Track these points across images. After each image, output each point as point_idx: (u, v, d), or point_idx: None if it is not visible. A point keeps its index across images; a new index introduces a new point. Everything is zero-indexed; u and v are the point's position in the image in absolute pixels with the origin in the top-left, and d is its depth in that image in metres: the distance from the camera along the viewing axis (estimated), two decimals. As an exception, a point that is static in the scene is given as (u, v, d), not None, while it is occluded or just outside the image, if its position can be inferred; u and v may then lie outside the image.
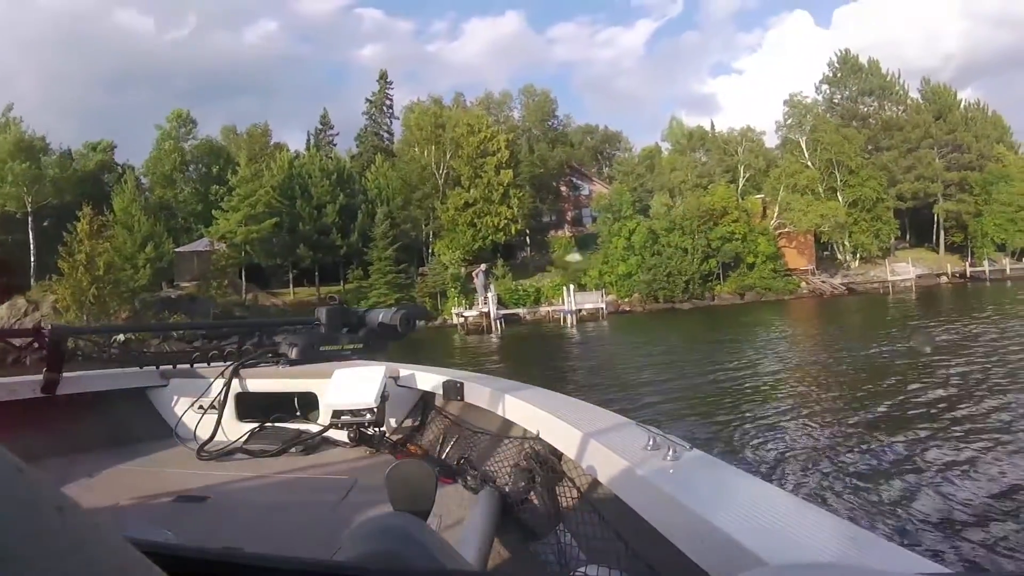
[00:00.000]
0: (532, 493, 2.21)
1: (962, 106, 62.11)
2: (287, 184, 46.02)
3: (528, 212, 50.39)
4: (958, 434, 8.77)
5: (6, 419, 3.02)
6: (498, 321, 37.06)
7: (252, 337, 4.30)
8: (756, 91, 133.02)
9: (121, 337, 5.43)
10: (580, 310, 39.47)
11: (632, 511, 1.46)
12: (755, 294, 46.60)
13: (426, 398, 3.48)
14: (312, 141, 58.81)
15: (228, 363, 3.72)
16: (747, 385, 13.99)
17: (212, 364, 3.87)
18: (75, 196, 42.20)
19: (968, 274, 55.62)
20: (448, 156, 49.28)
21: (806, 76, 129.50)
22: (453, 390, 3.06)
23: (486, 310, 37.20)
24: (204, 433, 3.50)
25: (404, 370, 3.54)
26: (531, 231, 53.19)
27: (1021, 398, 10.65)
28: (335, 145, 60.49)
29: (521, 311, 42.52)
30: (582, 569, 1.43)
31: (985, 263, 56.24)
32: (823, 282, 49.97)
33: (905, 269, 52.82)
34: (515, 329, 37.98)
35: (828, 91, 61.85)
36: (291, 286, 46.38)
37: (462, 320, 38.64)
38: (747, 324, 30.12)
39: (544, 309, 42.45)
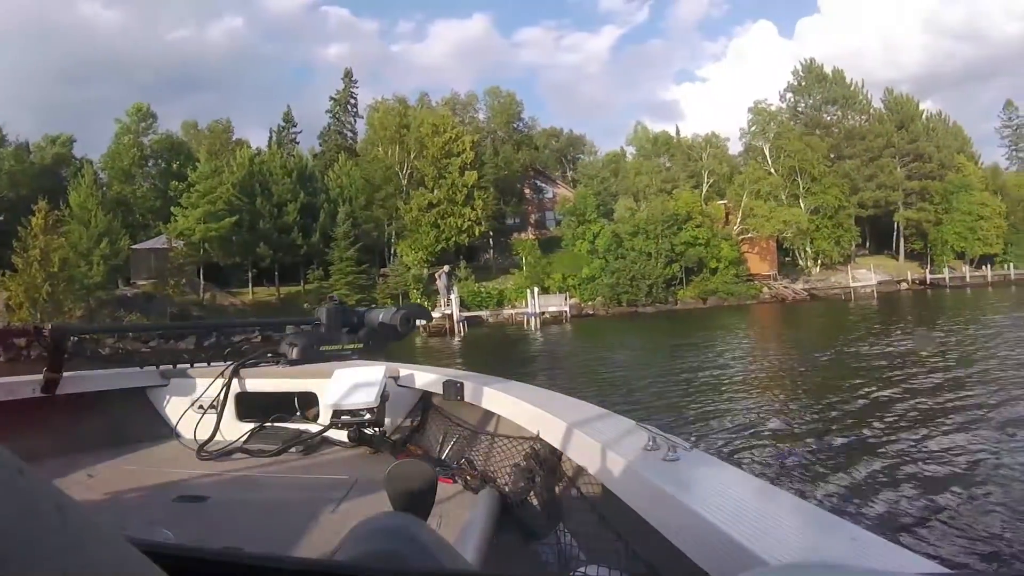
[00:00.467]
0: (532, 493, 2.19)
1: (924, 116, 63.42)
2: (247, 181, 44.91)
3: (492, 214, 50.10)
4: (957, 434, 8.84)
5: (6, 419, 3.00)
6: (461, 323, 36.61)
7: (253, 333, 4.35)
8: (719, 99, 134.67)
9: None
10: (543, 313, 39.19)
11: (632, 511, 1.44)
12: (717, 299, 46.81)
13: (426, 398, 3.44)
14: (274, 139, 57.88)
15: (228, 363, 3.70)
16: (719, 387, 13.97)
17: (212, 364, 3.85)
18: (31, 190, 41.25)
19: (928, 281, 56.73)
20: (412, 156, 48.81)
21: (769, 85, 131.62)
22: (453, 390, 3.04)
23: (449, 312, 36.63)
24: (204, 433, 3.45)
25: (404, 370, 3.54)
26: (494, 233, 52.88)
27: (1016, 397, 10.81)
28: (298, 143, 59.68)
29: (484, 313, 42.25)
30: (582, 569, 1.44)
31: (945, 271, 57.58)
32: (785, 287, 50.46)
33: (866, 275, 53.61)
34: (478, 331, 37.69)
35: (792, 99, 62.71)
36: (250, 286, 45.41)
37: (424, 322, 37.75)
38: (712, 328, 30.09)
39: (507, 312, 42.24)
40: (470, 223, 47.18)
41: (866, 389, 12.41)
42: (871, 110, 61.41)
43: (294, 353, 3.84)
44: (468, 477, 2.53)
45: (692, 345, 22.65)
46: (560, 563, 1.85)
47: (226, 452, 3.20)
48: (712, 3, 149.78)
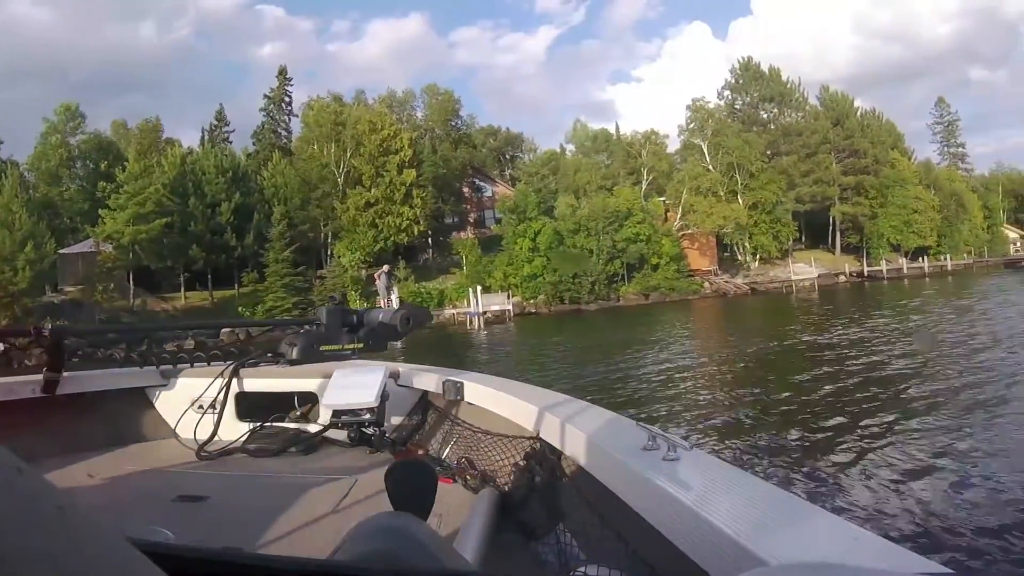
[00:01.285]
0: (532, 493, 2.18)
1: (858, 113, 64.89)
2: (179, 181, 43.38)
3: (431, 213, 49.49)
4: (956, 433, 8.75)
5: (6, 419, 3.00)
6: (402, 324, 35.79)
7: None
8: (654, 99, 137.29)
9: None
10: (486, 312, 38.80)
11: (632, 511, 1.42)
12: (660, 295, 47.02)
13: (426, 398, 3.42)
14: (206, 138, 56.25)
15: (228, 363, 3.70)
16: (678, 383, 13.83)
17: (212, 364, 3.85)
18: (-48, 193, 39.20)
19: (866, 273, 58.34)
20: (349, 155, 47.83)
21: (703, 86, 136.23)
22: (453, 390, 3.01)
23: (390, 313, 35.91)
24: (204, 433, 3.44)
25: (404, 370, 3.49)
26: (433, 233, 52.29)
27: (1011, 393, 10.73)
28: (231, 142, 57.96)
29: (425, 314, 41.26)
30: (582, 569, 1.36)
31: (883, 263, 59.23)
32: (726, 282, 51.11)
33: (804, 269, 54.74)
34: (420, 332, 36.69)
35: (730, 97, 63.58)
36: (182, 290, 43.96)
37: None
38: (658, 324, 29.99)
39: (449, 312, 41.49)
40: (409, 222, 46.43)
41: (833, 379, 12.55)
42: (807, 107, 62.67)
43: (294, 353, 3.87)
44: (468, 477, 2.56)
45: (643, 341, 22.50)
46: (560, 563, 1.87)
47: (226, 452, 3.22)
48: (647, 4, 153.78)
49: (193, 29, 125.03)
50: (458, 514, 2.20)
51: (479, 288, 40.10)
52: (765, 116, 62.16)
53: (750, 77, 62.30)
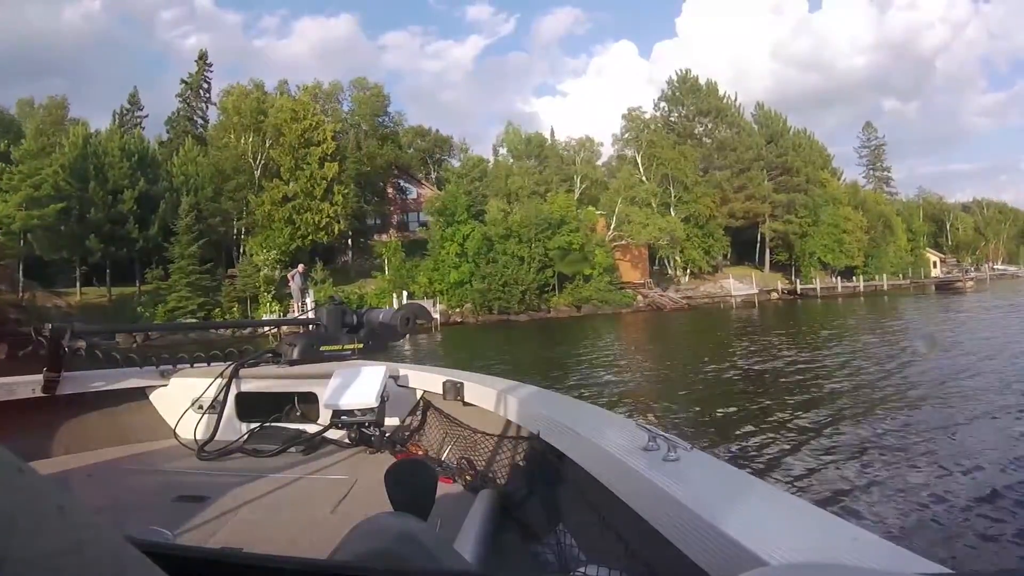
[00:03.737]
0: (532, 493, 2.20)
1: (791, 132, 65.09)
2: (80, 164, 39.09)
3: (352, 212, 46.78)
4: (955, 434, 8.86)
5: (6, 419, 3.05)
6: (318, 331, 33.09)
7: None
8: (579, 113, 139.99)
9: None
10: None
11: (632, 511, 1.41)
12: (591, 306, 45.49)
13: (426, 398, 3.36)
14: (116, 122, 51.28)
15: (228, 363, 3.68)
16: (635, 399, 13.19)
17: (212, 364, 3.84)
18: None
19: (799, 291, 58.44)
20: (268, 145, 44.64)
21: (626, 103, 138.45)
22: (453, 390, 3.00)
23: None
24: (204, 433, 3.44)
25: (404, 370, 3.50)
26: (354, 234, 49.66)
27: (1011, 396, 10.96)
28: (143, 128, 53.13)
29: (342, 320, 38.56)
30: (582, 569, 1.40)
31: (816, 281, 59.83)
32: (661, 295, 49.94)
33: (734, 285, 54.10)
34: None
35: (666, 108, 62.98)
36: (78, 285, 39.90)
37: (275, 330, 34.13)
38: (594, 338, 28.50)
39: (367, 318, 38.73)
40: (328, 220, 43.49)
41: (826, 387, 12.71)
42: (741, 123, 62.47)
43: (294, 353, 3.85)
44: (468, 477, 2.59)
45: (585, 356, 21.15)
46: (560, 563, 1.86)
47: (226, 452, 3.22)
48: (575, 21, 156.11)
49: (116, 14, 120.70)
50: (458, 514, 2.14)
51: (405, 293, 37.50)
52: (700, 130, 61.84)
53: (687, 90, 61.98)
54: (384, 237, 51.17)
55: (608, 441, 1.68)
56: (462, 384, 2.96)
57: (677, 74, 63.24)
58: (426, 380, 3.32)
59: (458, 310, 43.01)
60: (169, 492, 2.58)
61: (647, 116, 57.17)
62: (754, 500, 1.24)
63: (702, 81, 62.77)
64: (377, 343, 4.19)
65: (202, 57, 57.19)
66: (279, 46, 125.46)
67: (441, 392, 3.07)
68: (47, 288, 39.73)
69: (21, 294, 37.49)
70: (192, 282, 38.79)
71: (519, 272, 43.49)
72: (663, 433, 1.56)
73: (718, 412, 11.26)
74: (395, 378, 3.43)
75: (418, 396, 3.41)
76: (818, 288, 58.52)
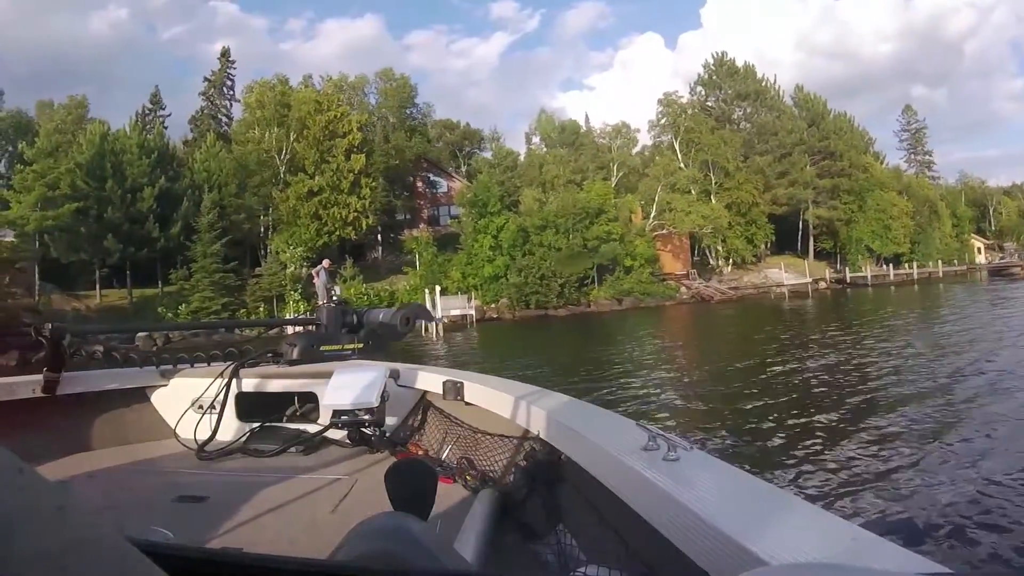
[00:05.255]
0: (532, 493, 2.20)
1: (831, 116, 62.24)
2: (97, 162, 37.61)
3: (381, 207, 44.74)
4: (956, 434, 8.75)
5: (6, 419, 3.06)
6: (345, 331, 30.98)
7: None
8: (605, 108, 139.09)
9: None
10: (443, 318, 33.74)
11: (632, 511, 1.43)
12: (633, 299, 43.05)
13: (426, 398, 3.41)
14: (137, 121, 49.81)
15: (228, 363, 3.69)
16: (710, 398, 12.17)
17: (212, 364, 3.86)
18: None
19: (849, 279, 55.42)
20: (293, 139, 42.75)
21: (653, 95, 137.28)
22: (453, 390, 3.02)
23: (331, 316, 31.09)
24: (204, 433, 3.46)
25: (404, 370, 3.46)
26: (383, 229, 47.62)
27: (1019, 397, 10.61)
28: (166, 128, 51.25)
29: (373, 318, 36.39)
30: (582, 569, 1.41)
31: (867, 269, 56.77)
32: (706, 286, 47.30)
33: (778, 275, 51.41)
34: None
35: (702, 93, 60.32)
36: (98, 287, 38.26)
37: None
38: (643, 333, 26.38)
39: (400, 315, 36.41)
40: (356, 214, 41.45)
41: (861, 394, 11.91)
42: (781, 106, 59.67)
43: (294, 353, 3.88)
44: (468, 477, 2.61)
45: (629, 356, 19.35)
46: (560, 563, 1.87)
47: (226, 452, 3.27)
48: (600, 14, 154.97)
49: (144, 23, 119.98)
50: (458, 514, 2.19)
51: (438, 288, 35.31)
52: (739, 114, 59.16)
53: (724, 73, 59.33)
54: (414, 232, 49.12)
55: (608, 441, 1.67)
56: (462, 384, 2.95)
57: (713, 56, 60.63)
58: (426, 380, 3.31)
59: (493, 306, 40.86)
60: (169, 492, 2.60)
61: (683, 100, 54.62)
62: (754, 500, 1.25)
63: (749, 62, 60.20)
64: (377, 343, 4.20)
65: (224, 54, 55.69)
66: (305, 48, 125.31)
67: (441, 392, 3.06)
68: (67, 291, 38.24)
69: (37, 297, 35.37)
70: (215, 281, 37.22)
71: (557, 264, 41.19)
72: (663, 433, 1.55)
73: (792, 423, 10.11)
74: (395, 378, 3.36)
75: (418, 396, 3.41)
76: (869, 276, 55.46)
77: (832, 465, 7.66)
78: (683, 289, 46.41)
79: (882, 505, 6.33)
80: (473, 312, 36.21)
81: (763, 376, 14.06)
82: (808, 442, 8.69)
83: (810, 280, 50.27)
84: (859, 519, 5.74)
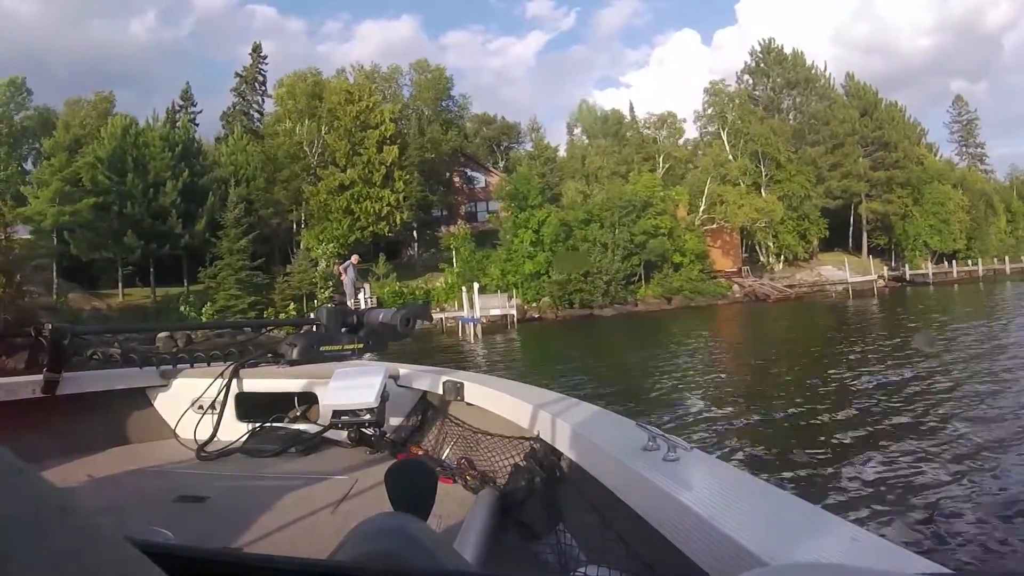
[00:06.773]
0: (532, 493, 2.17)
1: (883, 105, 59.07)
2: (118, 156, 35.97)
3: (415, 202, 42.56)
4: (957, 435, 8.72)
5: (6, 419, 3.03)
6: (376, 332, 28.65)
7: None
8: (642, 105, 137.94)
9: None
10: (482, 318, 31.30)
11: (632, 511, 1.43)
12: (682, 298, 40.51)
13: (426, 398, 3.34)
14: (167, 117, 48.24)
15: (228, 363, 3.66)
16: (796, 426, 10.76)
17: (212, 364, 3.82)
18: None
19: (908, 277, 52.23)
20: (324, 131, 40.75)
21: (691, 91, 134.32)
22: (453, 390, 2.98)
23: (358, 315, 28.76)
24: (204, 433, 3.43)
25: (404, 370, 3.44)
26: (419, 226, 45.46)
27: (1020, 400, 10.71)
28: (197, 124, 50.04)
29: (407, 318, 34.02)
30: (582, 569, 1.45)
31: (928, 266, 53.86)
32: (762, 285, 44.43)
33: (834, 273, 48.34)
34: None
35: (751, 82, 57.38)
36: (120, 286, 36.59)
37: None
38: (696, 336, 24.36)
39: (436, 316, 34.08)
40: (390, 208, 39.34)
41: (879, 395, 11.79)
42: (833, 95, 56.55)
43: (294, 353, 3.83)
44: (468, 477, 2.57)
45: (682, 362, 17.70)
46: (560, 563, 1.87)
47: (226, 452, 3.22)
48: (635, 12, 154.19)
49: (183, 28, 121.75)
50: (458, 514, 2.20)
51: (476, 286, 32.72)
52: (788, 103, 56.11)
53: (772, 60, 56.35)
54: (451, 228, 46.88)
55: (608, 441, 1.68)
56: (462, 384, 2.92)
57: (760, 43, 57.69)
58: (426, 380, 3.26)
59: (535, 305, 38.47)
60: (169, 492, 2.58)
61: (731, 89, 51.80)
62: (754, 500, 1.25)
63: (798, 48, 57.17)
64: (377, 343, 4.13)
65: (256, 49, 54.21)
66: (342, 50, 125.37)
67: (441, 392, 3.04)
68: (89, 290, 37.07)
69: (55, 296, 34.20)
70: (242, 279, 35.29)
71: (602, 261, 38.72)
72: (663, 433, 1.55)
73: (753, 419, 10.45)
74: (395, 378, 3.35)
75: (418, 396, 3.36)
76: (929, 273, 52.08)
77: (831, 465, 7.74)
78: (735, 287, 43.69)
79: (882, 505, 6.40)
80: (514, 312, 33.94)
81: (849, 396, 12.19)
82: (808, 443, 8.74)
83: (874, 277, 47.00)
84: (859, 519, 5.74)
